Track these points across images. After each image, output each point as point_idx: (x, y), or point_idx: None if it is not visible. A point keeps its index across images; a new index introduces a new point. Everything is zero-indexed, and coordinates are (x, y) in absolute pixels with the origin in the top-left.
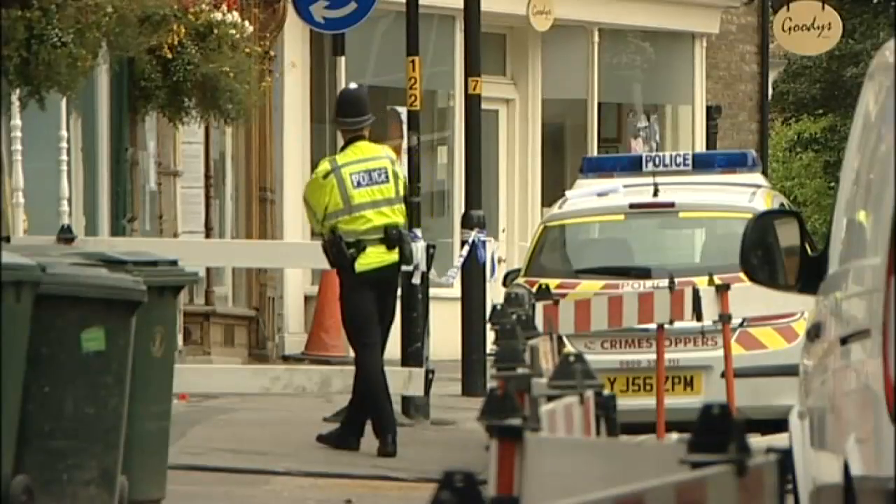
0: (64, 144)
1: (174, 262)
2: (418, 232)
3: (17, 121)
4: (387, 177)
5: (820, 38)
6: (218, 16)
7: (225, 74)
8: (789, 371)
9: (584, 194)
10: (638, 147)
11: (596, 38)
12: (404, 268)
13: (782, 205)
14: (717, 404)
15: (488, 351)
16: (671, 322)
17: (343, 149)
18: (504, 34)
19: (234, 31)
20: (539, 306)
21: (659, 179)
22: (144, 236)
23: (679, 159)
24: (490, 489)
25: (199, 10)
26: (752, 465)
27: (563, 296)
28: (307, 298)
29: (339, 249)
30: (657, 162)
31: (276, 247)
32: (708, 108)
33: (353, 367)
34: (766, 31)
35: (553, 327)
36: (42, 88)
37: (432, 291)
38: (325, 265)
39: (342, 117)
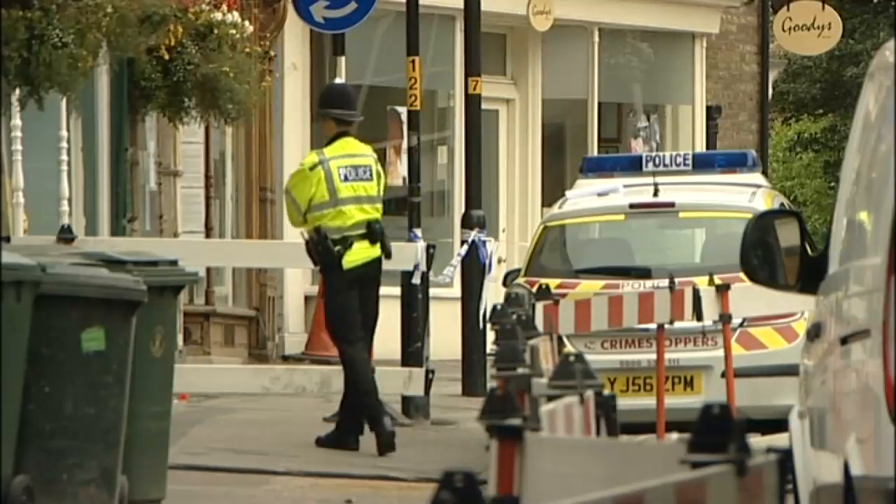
0: (64, 144)
1: (174, 262)
2: (418, 232)
3: (17, 121)
4: (371, 175)
5: (820, 38)
6: (218, 16)
7: (225, 74)
8: (789, 371)
9: (585, 194)
10: (638, 147)
11: (596, 38)
12: (403, 268)
13: (782, 205)
14: (718, 404)
15: (488, 351)
16: (671, 322)
17: (330, 143)
18: (504, 34)
19: (234, 31)
20: (539, 306)
21: (659, 179)
22: (144, 236)
23: (679, 159)
24: (490, 489)
25: (199, 10)
26: (753, 465)
27: (564, 296)
28: (307, 298)
29: (326, 247)
30: (657, 162)
31: (276, 247)
32: (708, 108)
33: None
34: (766, 31)
35: (553, 327)
36: (42, 89)
37: (432, 291)
38: None
39: (335, 108)
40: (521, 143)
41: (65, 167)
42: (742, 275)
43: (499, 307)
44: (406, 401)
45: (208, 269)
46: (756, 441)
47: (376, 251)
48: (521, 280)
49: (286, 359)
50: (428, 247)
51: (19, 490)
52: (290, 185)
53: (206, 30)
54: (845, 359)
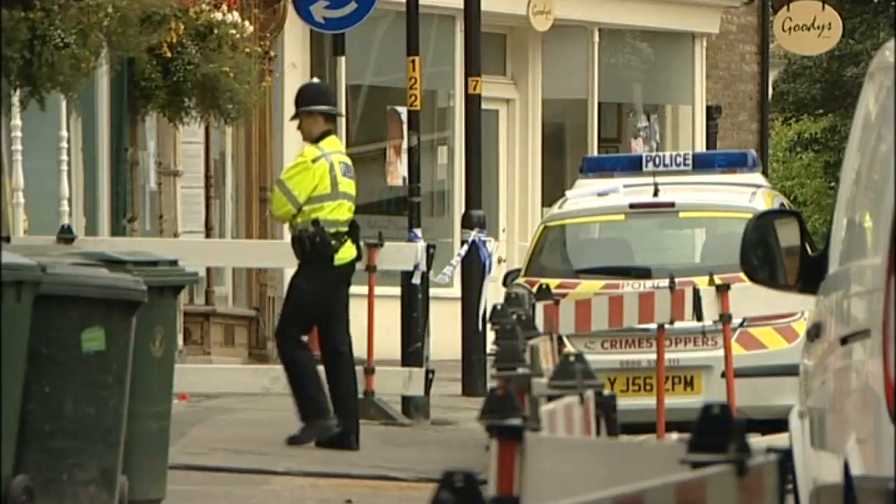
0: (64, 144)
1: (174, 262)
2: (418, 232)
3: (17, 121)
4: (353, 174)
5: (820, 38)
6: (218, 16)
7: (225, 74)
8: (789, 371)
9: (585, 194)
10: (638, 147)
11: (596, 38)
12: (403, 268)
13: (782, 205)
14: (718, 404)
15: (488, 351)
16: (671, 322)
17: (319, 140)
18: (504, 34)
19: (234, 31)
20: (539, 306)
21: (659, 179)
22: (145, 236)
23: (679, 159)
24: (490, 489)
25: (199, 10)
26: (753, 465)
27: (564, 296)
28: None
29: (324, 239)
30: (657, 162)
31: (276, 247)
32: (708, 108)
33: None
34: (766, 31)
35: (553, 327)
36: (44, 89)
37: (432, 292)
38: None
39: (322, 104)
40: (521, 143)
41: (65, 167)
42: (742, 275)
43: (499, 307)
44: (406, 401)
45: (208, 269)
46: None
47: (354, 251)
48: (521, 280)
49: None
50: (428, 247)
51: (19, 490)
52: (287, 177)
53: (207, 30)
54: (845, 359)
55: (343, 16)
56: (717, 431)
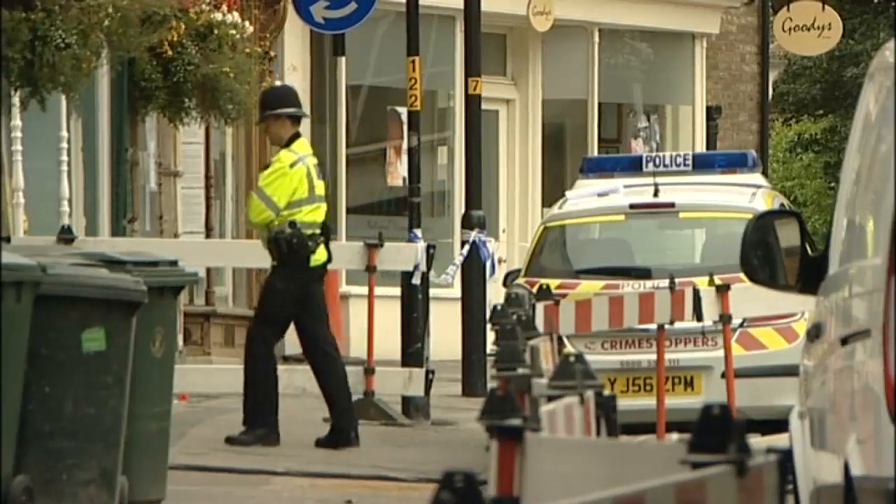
0: (64, 145)
1: (174, 263)
2: (418, 232)
3: (17, 121)
4: (322, 175)
5: (820, 38)
6: (218, 16)
7: (225, 75)
8: (789, 371)
9: (585, 195)
10: (638, 147)
11: (596, 39)
12: (403, 268)
13: (783, 205)
14: (718, 404)
15: (488, 351)
16: (672, 322)
17: (290, 144)
18: (504, 34)
19: (234, 32)
20: (539, 306)
21: (659, 180)
22: (145, 236)
23: (679, 160)
24: (490, 489)
25: (199, 11)
26: (753, 466)
27: (564, 296)
28: None
29: (302, 241)
30: (657, 162)
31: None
32: (708, 109)
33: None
34: (766, 32)
35: (553, 328)
36: (45, 90)
37: (432, 292)
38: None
39: (288, 107)
40: (522, 143)
41: (65, 167)
42: (742, 275)
43: (499, 307)
44: (406, 401)
45: (208, 270)
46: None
47: (326, 253)
48: (521, 280)
49: (286, 359)
50: (428, 247)
51: (19, 490)
52: (265, 183)
53: (207, 30)
54: (846, 359)
55: (343, 16)
56: (717, 432)
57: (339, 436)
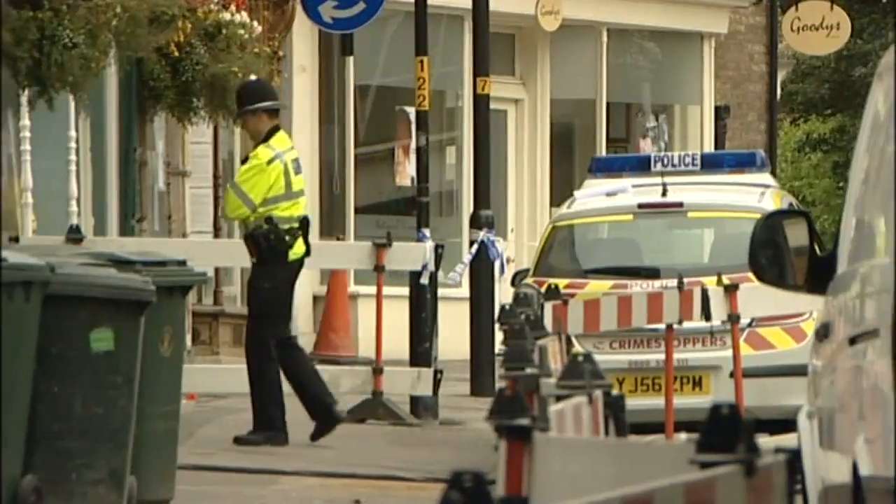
0: (73, 144)
1: (183, 262)
2: (427, 232)
3: (25, 121)
4: (301, 168)
5: (829, 37)
6: (227, 16)
7: (234, 75)
8: (798, 371)
9: (593, 194)
10: (647, 147)
11: (604, 38)
12: (412, 268)
13: (791, 205)
14: (726, 404)
15: (497, 351)
16: (680, 322)
17: (268, 138)
18: (513, 34)
19: (242, 32)
20: (548, 306)
21: (668, 179)
22: (153, 236)
23: (688, 159)
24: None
25: (207, 10)
26: (761, 466)
27: (572, 296)
28: (316, 298)
29: (279, 236)
30: (666, 162)
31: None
32: (717, 108)
33: (363, 368)
34: (774, 31)
35: (562, 327)
36: (53, 89)
37: (441, 292)
38: (337, 265)
39: (262, 101)
40: (530, 143)
41: (73, 167)
42: (751, 275)
43: (507, 307)
44: (414, 401)
45: (217, 269)
46: (765, 441)
47: (304, 246)
48: (529, 280)
49: None
50: (436, 247)
51: (28, 490)
52: (242, 179)
53: (215, 30)
54: (854, 359)
55: (351, 16)
56: (725, 431)
57: (325, 417)
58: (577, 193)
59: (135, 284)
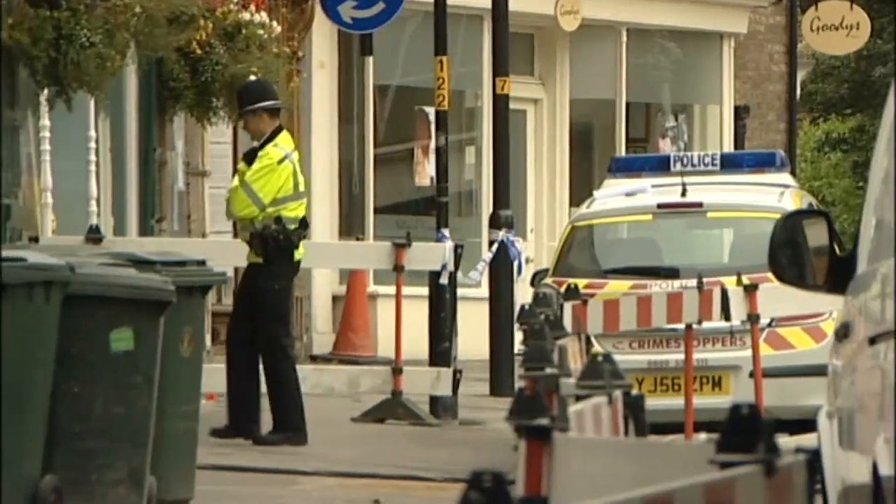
0: (92, 145)
1: (202, 262)
2: (446, 232)
3: (45, 121)
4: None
5: (848, 37)
6: (246, 16)
7: (253, 75)
8: (818, 371)
9: (613, 194)
10: (666, 147)
11: (624, 38)
12: (431, 268)
13: (811, 205)
14: (746, 404)
15: (516, 351)
16: (699, 322)
17: (273, 137)
18: (532, 34)
19: (262, 32)
20: (567, 306)
21: (687, 179)
22: (173, 236)
23: (707, 159)
24: (518, 489)
25: (227, 10)
26: (781, 466)
27: (592, 296)
28: (335, 298)
29: (287, 236)
30: (685, 162)
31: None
32: (736, 108)
33: (382, 368)
34: (794, 31)
35: (581, 327)
36: (70, 89)
37: (460, 291)
38: (357, 265)
39: (261, 101)
40: (549, 143)
41: (93, 167)
42: (770, 275)
43: (527, 307)
44: (434, 401)
45: (236, 269)
46: (784, 441)
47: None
48: (549, 280)
49: (314, 359)
50: (456, 247)
51: (48, 490)
52: (253, 178)
53: (235, 30)
54: (874, 359)
55: (371, 16)
56: (745, 431)
57: (237, 427)
58: (596, 193)
59: (155, 284)
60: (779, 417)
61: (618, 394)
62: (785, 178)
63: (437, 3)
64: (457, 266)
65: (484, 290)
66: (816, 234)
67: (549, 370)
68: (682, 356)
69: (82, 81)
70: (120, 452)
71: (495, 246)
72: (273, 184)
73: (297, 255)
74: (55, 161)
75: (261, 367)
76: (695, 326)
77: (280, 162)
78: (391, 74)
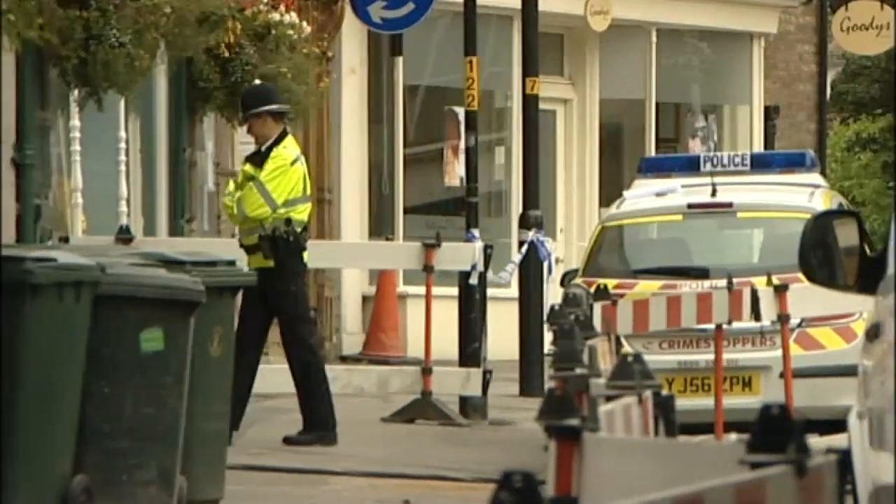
0: (122, 145)
1: (232, 263)
2: (476, 232)
3: (75, 121)
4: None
5: (878, 37)
6: (276, 16)
7: (283, 75)
8: (848, 371)
9: (643, 194)
10: (696, 147)
11: (654, 38)
12: (461, 268)
13: (841, 205)
14: (776, 405)
15: (546, 351)
16: (730, 322)
17: (280, 140)
18: (562, 34)
19: (292, 32)
20: (597, 306)
21: (717, 179)
22: (203, 236)
23: (737, 159)
24: (549, 489)
25: (257, 11)
26: (812, 466)
27: (622, 296)
28: (365, 298)
29: (297, 239)
30: (715, 162)
31: (334, 247)
32: (766, 108)
33: (412, 368)
34: (824, 31)
35: (611, 328)
36: (100, 89)
37: (490, 292)
38: (386, 265)
39: (265, 105)
40: (579, 143)
41: (123, 168)
42: (800, 275)
43: (557, 307)
44: (464, 401)
45: None
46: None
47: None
48: (578, 280)
49: (344, 359)
50: (485, 247)
51: (79, 490)
52: (268, 179)
53: (264, 30)
54: None
55: (401, 16)
56: (776, 432)
57: (319, 431)
58: (626, 193)
59: (185, 285)
60: (809, 418)
61: (648, 394)
62: (815, 178)
63: (467, 3)
64: (486, 266)
65: (514, 291)
66: (847, 235)
67: (579, 370)
68: (712, 356)
69: (112, 81)
70: (150, 452)
71: (525, 246)
72: (285, 184)
73: (306, 256)
74: (85, 161)
75: (287, 368)
76: (725, 327)
77: (293, 163)
78: (421, 75)
